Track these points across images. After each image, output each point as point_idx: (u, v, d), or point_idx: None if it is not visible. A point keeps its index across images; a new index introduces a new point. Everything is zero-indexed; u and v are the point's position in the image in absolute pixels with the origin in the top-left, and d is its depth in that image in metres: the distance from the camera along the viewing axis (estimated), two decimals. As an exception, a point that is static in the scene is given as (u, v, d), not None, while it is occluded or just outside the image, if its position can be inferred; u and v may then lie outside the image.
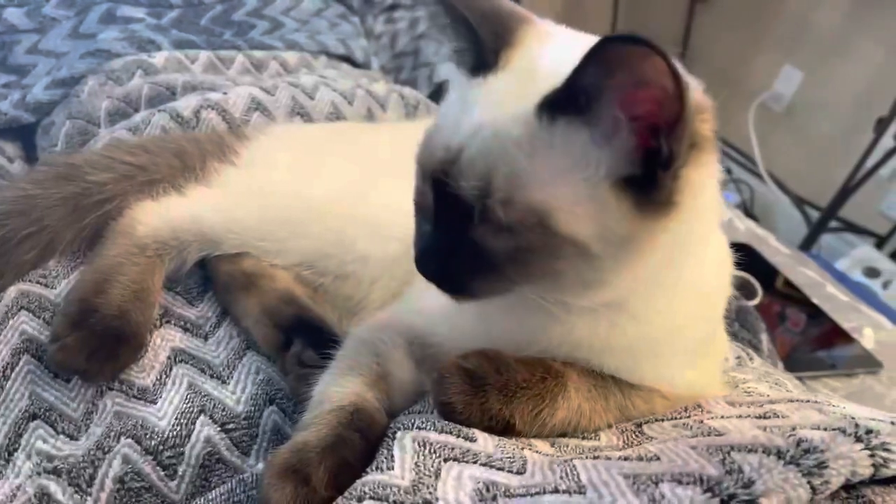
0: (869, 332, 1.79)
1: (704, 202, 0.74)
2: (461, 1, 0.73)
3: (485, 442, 0.72)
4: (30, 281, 1.01)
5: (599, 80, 0.63)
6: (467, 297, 0.76)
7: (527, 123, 0.67)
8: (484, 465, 0.69)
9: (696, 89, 0.66)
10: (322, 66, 1.80)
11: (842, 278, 2.29)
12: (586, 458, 0.71)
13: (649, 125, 0.65)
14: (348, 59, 1.91)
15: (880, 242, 2.89)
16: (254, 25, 1.82)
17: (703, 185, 0.72)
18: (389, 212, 1.09)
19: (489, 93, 0.71)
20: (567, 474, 0.67)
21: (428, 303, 0.91)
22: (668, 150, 0.65)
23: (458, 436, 0.73)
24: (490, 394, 0.75)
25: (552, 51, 0.73)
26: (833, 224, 2.94)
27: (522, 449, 0.73)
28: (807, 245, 2.90)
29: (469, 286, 0.75)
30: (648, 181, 0.67)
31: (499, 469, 0.69)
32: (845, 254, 2.87)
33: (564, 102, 0.66)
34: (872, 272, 2.73)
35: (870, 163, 2.69)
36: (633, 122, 0.65)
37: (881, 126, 2.64)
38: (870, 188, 2.76)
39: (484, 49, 0.72)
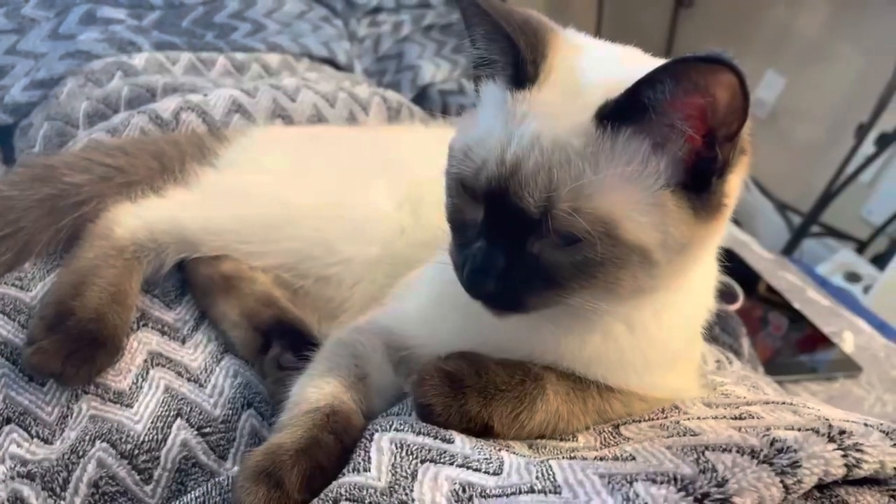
0: (849, 336, 1.81)
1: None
2: (499, 13, 0.72)
3: (462, 443, 0.72)
4: (5, 283, 1.00)
5: (670, 94, 0.64)
6: (518, 313, 0.75)
7: (587, 134, 0.68)
8: (461, 466, 0.69)
9: None
10: (304, 68, 1.79)
11: (823, 283, 2.31)
12: (563, 458, 0.71)
13: (707, 134, 0.66)
14: (331, 62, 1.90)
15: (861, 247, 2.92)
16: (236, 27, 1.81)
17: (739, 186, 0.75)
18: (370, 214, 1.09)
19: (539, 104, 0.71)
20: (543, 474, 0.67)
21: (405, 306, 0.91)
22: (723, 158, 0.68)
23: (436, 437, 0.72)
24: (469, 396, 0.75)
25: (590, 62, 0.74)
26: (815, 229, 2.96)
27: (500, 450, 0.73)
28: (789, 250, 2.92)
29: (524, 301, 0.73)
30: (700, 187, 0.69)
31: (475, 470, 0.69)
32: (827, 258, 2.90)
33: (625, 113, 0.67)
34: (853, 277, 2.76)
35: (851, 168, 2.72)
36: (692, 130, 0.66)
37: (862, 132, 2.66)
38: (851, 193, 2.78)
39: (524, 61, 0.72)
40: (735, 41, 3.18)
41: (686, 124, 0.66)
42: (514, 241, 0.71)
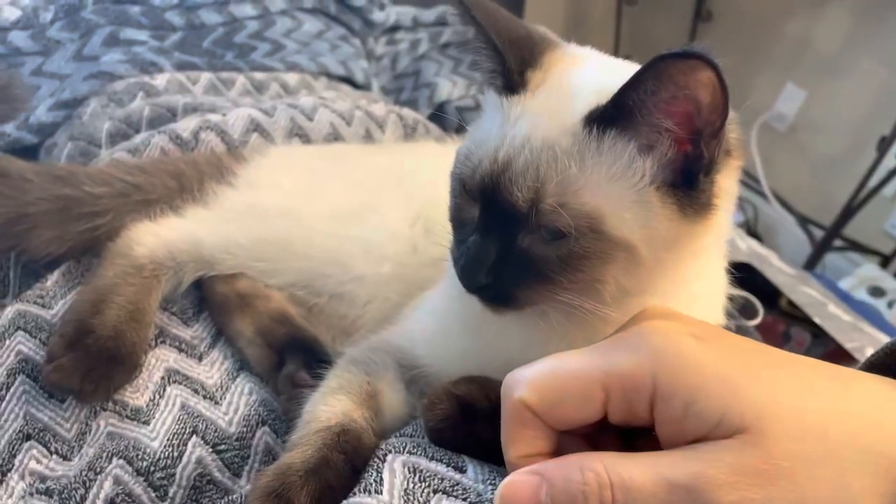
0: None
1: (729, 210, 0.78)
2: (491, 27, 0.76)
3: (474, 473, 0.72)
4: (27, 301, 1.02)
5: (652, 93, 0.66)
6: (510, 308, 0.77)
7: (575, 135, 0.71)
8: (473, 503, 0.69)
9: None
10: (322, 87, 1.81)
11: (846, 298, 2.27)
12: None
13: (691, 132, 0.68)
14: (349, 81, 1.92)
15: (885, 261, 2.88)
16: (255, 47, 1.83)
17: (732, 191, 0.77)
18: (384, 231, 1.10)
19: (531, 108, 0.74)
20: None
21: (415, 325, 0.91)
22: (708, 156, 0.70)
23: (449, 465, 0.73)
24: (479, 420, 0.75)
25: (584, 71, 0.78)
26: (837, 243, 2.93)
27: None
28: (811, 264, 2.89)
29: (515, 295, 0.75)
30: (688, 186, 0.71)
31: None
32: (850, 273, 2.86)
33: (611, 115, 0.69)
34: (877, 291, 2.72)
35: (873, 182, 2.69)
36: (677, 131, 0.68)
37: (884, 145, 2.64)
38: (874, 207, 2.75)
39: (510, 71, 0.76)
40: (754, 54, 3.17)
41: (670, 123, 0.68)
42: (505, 235, 0.74)
